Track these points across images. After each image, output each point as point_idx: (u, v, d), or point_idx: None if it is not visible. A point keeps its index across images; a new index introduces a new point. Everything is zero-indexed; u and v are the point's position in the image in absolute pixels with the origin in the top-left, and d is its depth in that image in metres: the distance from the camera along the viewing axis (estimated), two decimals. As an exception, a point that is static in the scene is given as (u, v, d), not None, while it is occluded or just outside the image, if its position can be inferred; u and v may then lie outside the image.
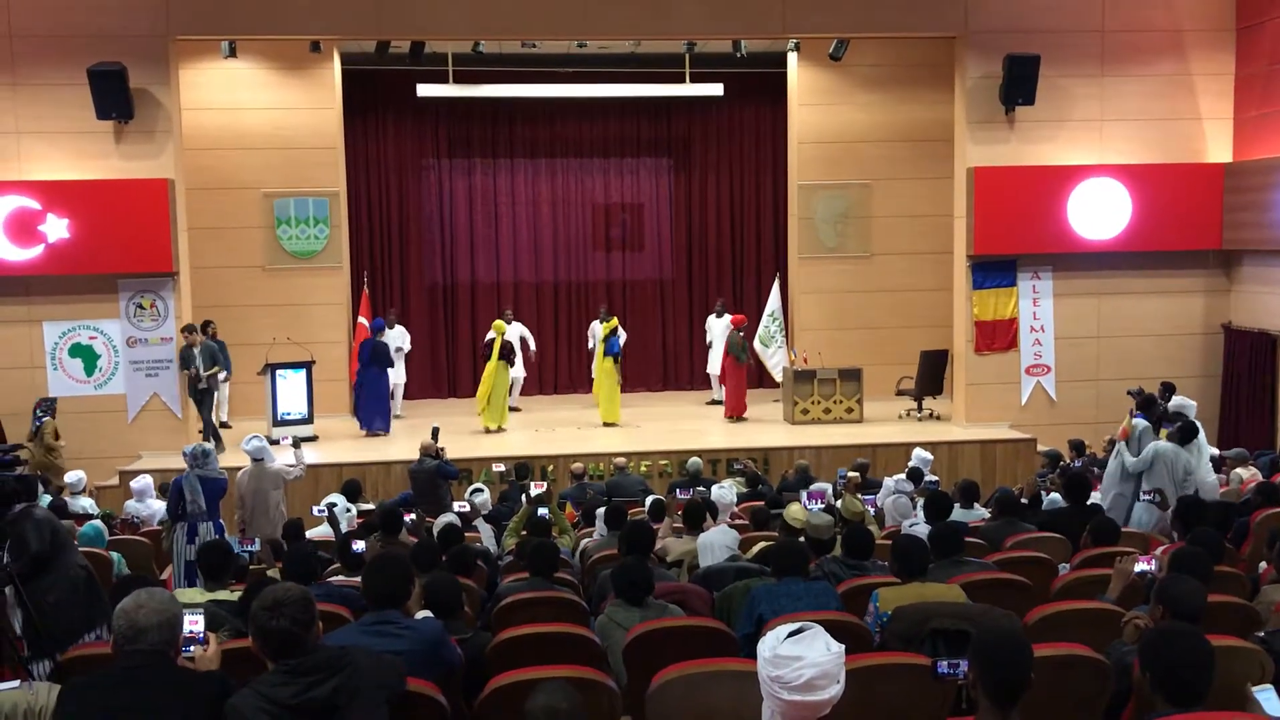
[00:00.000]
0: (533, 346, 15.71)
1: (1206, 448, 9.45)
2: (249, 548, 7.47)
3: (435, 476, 10.58)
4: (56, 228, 12.55)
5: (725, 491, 8.39)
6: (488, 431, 14.02)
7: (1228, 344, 14.04)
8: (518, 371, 15.23)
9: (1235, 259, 14.02)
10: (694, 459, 11.36)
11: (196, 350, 12.62)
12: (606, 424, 14.32)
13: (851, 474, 9.90)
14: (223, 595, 5.33)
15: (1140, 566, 5.23)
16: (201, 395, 12.73)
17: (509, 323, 14.86)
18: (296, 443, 10.37)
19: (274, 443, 10.76)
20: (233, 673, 3.55)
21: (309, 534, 8.92)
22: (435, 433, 11.40)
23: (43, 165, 12.59)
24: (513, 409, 14.97)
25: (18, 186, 12.52)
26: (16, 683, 3.94)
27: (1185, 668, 3.25)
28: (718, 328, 15.68)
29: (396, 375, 14.92)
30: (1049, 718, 3.35)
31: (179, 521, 8.61)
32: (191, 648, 3.60)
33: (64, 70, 12.35)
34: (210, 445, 9.05)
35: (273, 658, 3.32)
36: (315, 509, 9.50)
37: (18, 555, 6.27)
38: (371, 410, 14.03)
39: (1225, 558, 6.01)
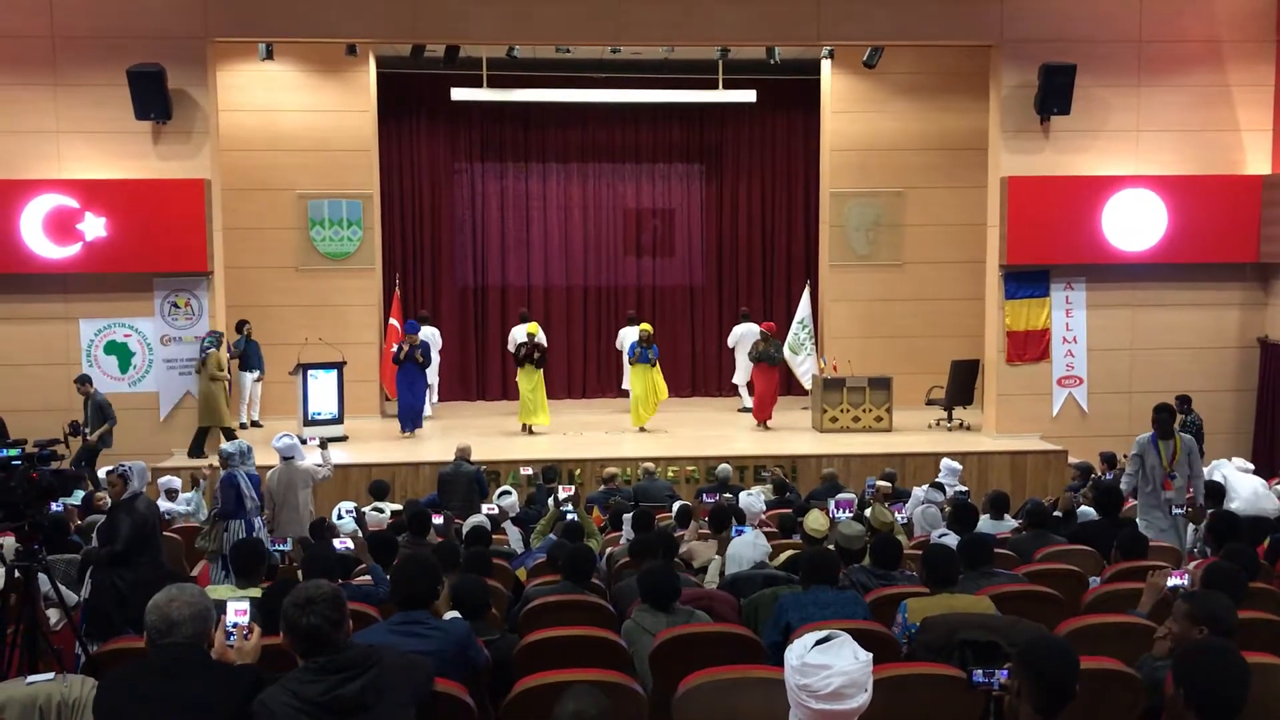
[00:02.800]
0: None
1: (1240, 481, 9.14)
2: (280, 546, 7.52)
3: (473, 482, 10.58)
4: (94, 226, 12.70)
5: (754, 499, 8.37)
6: (527, 430, 14.13)
7: (1264, 358, 13.88)
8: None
9: (1272, 272, 13.86)
10: (723, 465, 11.34)
11: (86, 404, 12.11)
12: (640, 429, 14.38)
13: (881, 483, 9.84)
14: (254, 593, 5.37)
15: (1172, 581, 5.19)
16: (91, 453, 12.07)
17: (526, 322, 14.88)
18: (323, 443, 10.41)
19: (302, 442, 10.83)
20: (267, 668, 3.58)
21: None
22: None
23: (81, 164, 12.75)
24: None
25: (57, 185, 12.67)
26: (51, 675, 3.99)
27: (1220, 684, 3.21)
28: (739, 333, 15.68)
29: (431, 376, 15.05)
30: (1079, 732, 3.32)
31: (231, 519, 8.65)
32: (233, 636, 3.62)
33: (104, 71, 12.49)
34: (247, 444, 9.09)
35: (303, 654, 3.34)
36: (341, 510, 9.57)
37: (106, 541, 6.52)
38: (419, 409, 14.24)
39: (1259, 574, 5.94)
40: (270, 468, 9.73)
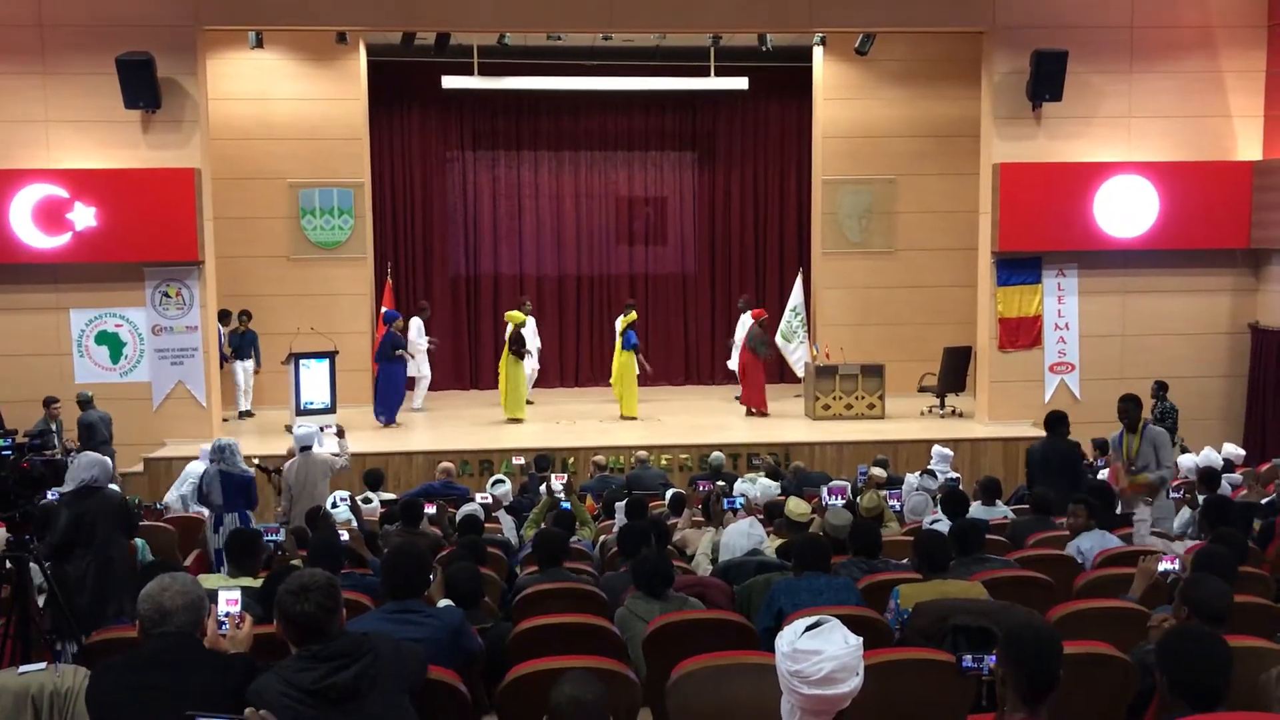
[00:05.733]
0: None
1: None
2: (274, 537, 7.50)
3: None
4: (84, 216, 12.64)
5: (750, 487, 8.38)
6: (512, 421, 14.09)
7: (1255, 343, 13.91)
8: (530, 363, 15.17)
9: (1264, 258, 13.88)
10: (716, 453, 11.36)
11: (52, 426, 11.77)
12: (625, 418, 14.35)
13: (875, 470, 9.86)
14: (247, 582, 5.36)
15: (1164, 565, 5.21)
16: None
17: (527, 314, 14.84)
18: (340, 432, 10.31)
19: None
20: (257, 657, 3.58)
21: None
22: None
23: (71, 154, 12.69)
24: (527, 402, 14.95)
25: (46, 175, 12.61)
26: (43, 664, 3.98)
27: (1202, 671, 3.20)
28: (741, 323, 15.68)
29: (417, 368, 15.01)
30: (1072, 716, 3.33)
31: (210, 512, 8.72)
32: (225, 625, 3.62)
33: (93, 59, 12.42)
34: (232, 440, 9.04)
35: (296, 642, 3.34)
36: (336, 499, 9.55)
37: (42, 537, 6.39)
38: (392, 402, 14.15)
39: (1250, 558, 5.97)
40: (285, 456, 9.66)
